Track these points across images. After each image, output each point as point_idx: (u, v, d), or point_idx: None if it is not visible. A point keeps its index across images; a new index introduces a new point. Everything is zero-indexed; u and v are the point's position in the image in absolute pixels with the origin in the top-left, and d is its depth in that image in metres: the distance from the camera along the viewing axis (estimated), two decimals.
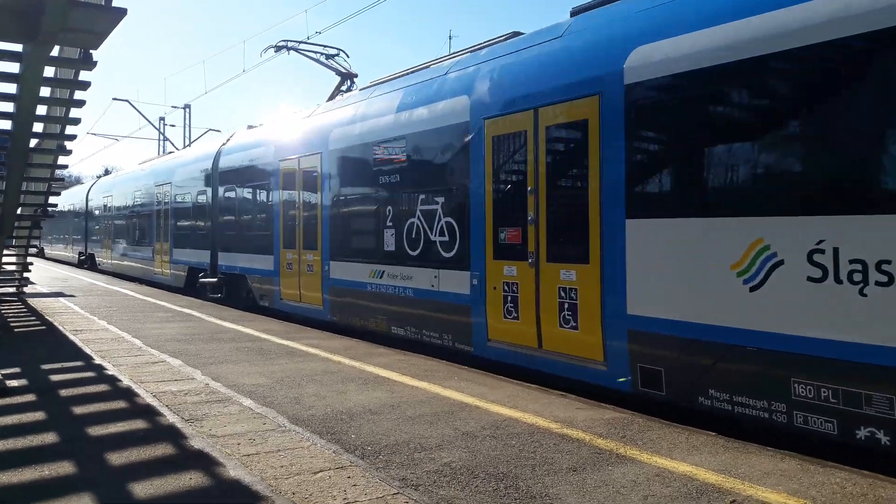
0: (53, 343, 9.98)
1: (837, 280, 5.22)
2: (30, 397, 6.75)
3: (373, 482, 4.50)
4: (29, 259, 16.46)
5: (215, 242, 17.15)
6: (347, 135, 11.69)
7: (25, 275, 16.66)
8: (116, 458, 4.94)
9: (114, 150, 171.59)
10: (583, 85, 7.38)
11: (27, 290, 17.28)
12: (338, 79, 16.33)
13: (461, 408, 6.46)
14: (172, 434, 5.54)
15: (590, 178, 7.24)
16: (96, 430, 5.64)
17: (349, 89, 15.88)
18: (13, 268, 16.80)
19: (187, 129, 42.42)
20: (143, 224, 23.17)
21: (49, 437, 5.45)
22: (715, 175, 6.26)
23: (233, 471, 4.68)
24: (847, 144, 5.40)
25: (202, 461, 4.88)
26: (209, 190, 17.67)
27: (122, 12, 7.69)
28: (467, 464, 4.88)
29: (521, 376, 7.97)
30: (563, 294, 7.59)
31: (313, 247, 12.62)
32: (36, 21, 7.44)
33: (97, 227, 30.19)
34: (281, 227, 13.92)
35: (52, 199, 15.34)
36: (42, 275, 24.18)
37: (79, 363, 8.50)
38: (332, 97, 15.65)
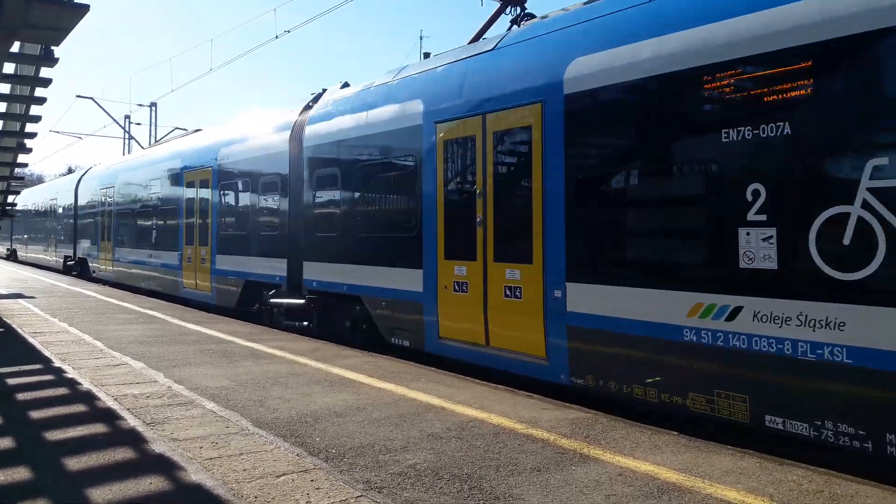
0: (11, 346, 9.75)
1: None
2: None
3: (336, 485, 4.47)
4: None
5: (300, 247, 12.04)
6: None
7: None
8: (75, 463, 4.84)
9: (77, 149, 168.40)
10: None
11: None
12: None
13: (427, 409, 6.46)
14: (133, 438, 5.45)
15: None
16: (54, 435, 5.52)
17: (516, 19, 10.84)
18: None
19: (153, 127, 41.77)
20: (164, 221, 18.02)
21: (4, 442, 5.32)
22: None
23: (194, 475, 4.61)
24: None
25: (163, 465, 4.81)
26: (284, 175, 12.55)
27: (84, 8, 7.57)
28: (432, 465, 4.88)
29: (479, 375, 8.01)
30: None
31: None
32: None
33: (90, 224, 24.64)
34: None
35: (27, 194, 14.94)
36: (1, 276, 23.60)
37: (37, 366, 8.32)
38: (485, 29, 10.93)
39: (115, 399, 6.69)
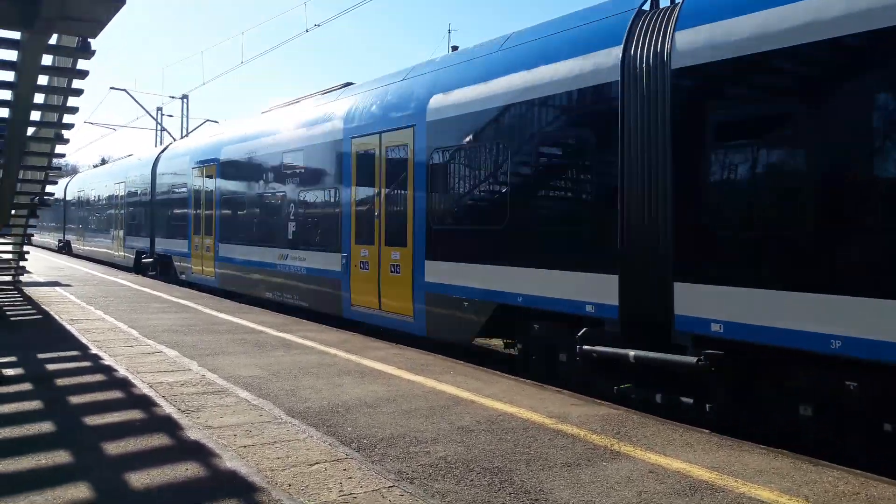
0: (49, 332, 9.98)
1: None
2: (26, 386, 6.76)
3: (369, 475, 4.52)
4: (25, 248, 16.42)
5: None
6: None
7: (22, 264, 16.61)
8: (113, 448, 4.95)
9: (111, 140, 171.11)
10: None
11: (23, 279, 17.24)
12: None
13: (457, 402, 6.48)
14: (169, 425, 5.55)
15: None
16: (93, 420, 5.65)
17: None
18: (9, 256, 16.75)
19: (185, 119, 42.27)
20: (314, 210, 13.93)
21: (45, 426, 5.45)
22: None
23: (229, 462, 4.69)
24: None
25: (199, 452, 4.89)
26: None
27: (120, 1, 7.66)
28: (462, 458, 4.90)
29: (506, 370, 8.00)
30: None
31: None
32: (34, 8, 7.41)
33: (176, 214, 19.92)
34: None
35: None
36: (39, 265, 24.12)
37: (75, 352, 8.51)
38: None
39: (151, 386, 6.82)
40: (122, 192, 25.23)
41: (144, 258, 22.19)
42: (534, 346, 8.16)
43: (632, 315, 6.91)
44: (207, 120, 37.31)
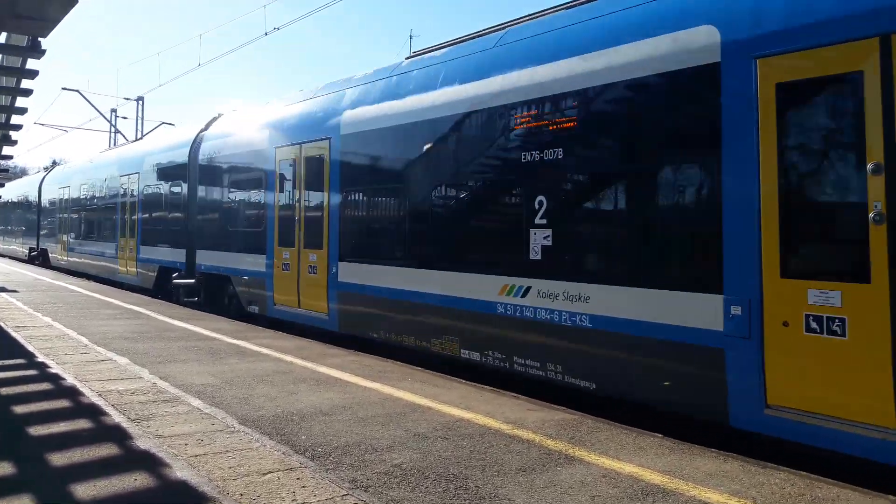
0: None
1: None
2: None
3: (322, 483, 4.48)
4: None
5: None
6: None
7: None
8: (59, 459, 4.82)
9: (62, 141, 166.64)
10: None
11: None
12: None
13: (413, 409, 6.47)
14: (118, 434, 5.42)
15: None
16: (38, 430, 5.48)
17: None
18: None
19: (140, 121, 41.41)
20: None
21: None
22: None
23: (179, 472, 4.60)
24: None
25: (148, 462, 4.79)
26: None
27: (72, 0, 7.50)
28: (418, 465, 4.89)
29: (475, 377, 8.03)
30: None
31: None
32: None
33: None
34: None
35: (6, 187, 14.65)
36: None
37: (20, 361, 8.25)
38: None
39: (100, 395, 6.65)
40: (133, 187, 18.87)
41: (177, 277, 15.71)
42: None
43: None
44: (163, 122, 36.58)
